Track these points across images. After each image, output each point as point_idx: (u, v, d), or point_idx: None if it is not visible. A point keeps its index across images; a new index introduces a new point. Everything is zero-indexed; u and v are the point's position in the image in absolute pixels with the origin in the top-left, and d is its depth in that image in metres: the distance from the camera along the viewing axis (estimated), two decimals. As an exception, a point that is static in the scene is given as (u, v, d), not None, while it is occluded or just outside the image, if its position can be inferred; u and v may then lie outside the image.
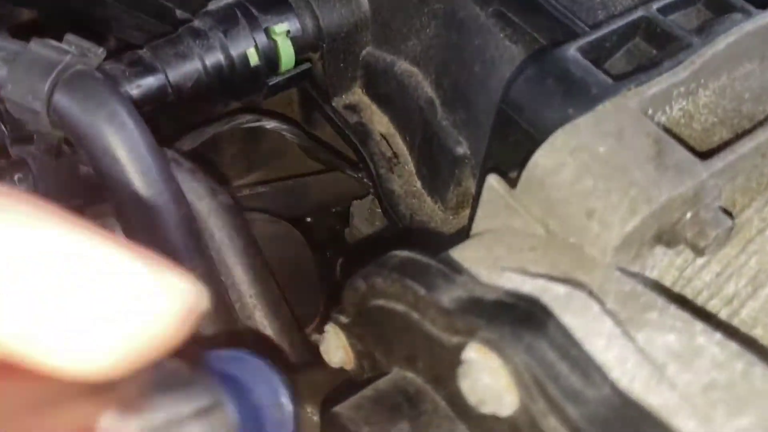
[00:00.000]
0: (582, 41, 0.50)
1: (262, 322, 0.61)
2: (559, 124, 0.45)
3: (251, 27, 0.64)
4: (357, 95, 0.72)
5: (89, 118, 0.51)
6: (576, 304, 0.39)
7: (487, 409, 0.37)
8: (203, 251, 0.54)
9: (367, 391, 0.45)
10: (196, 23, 0.64)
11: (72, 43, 0.54)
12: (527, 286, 0.41)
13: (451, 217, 0.64)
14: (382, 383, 0.45)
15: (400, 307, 0.43)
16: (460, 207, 0.63)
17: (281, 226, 0.76)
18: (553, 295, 0.39)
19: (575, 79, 0.47)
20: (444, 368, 0.40)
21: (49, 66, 0.52)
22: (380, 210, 0.82)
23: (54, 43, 0.53)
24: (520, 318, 0.38)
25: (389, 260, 0.44)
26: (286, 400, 0.42)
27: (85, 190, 0.58)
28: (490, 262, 0.44)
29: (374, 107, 0.71)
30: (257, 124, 0.74)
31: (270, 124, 0.75)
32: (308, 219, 0.89)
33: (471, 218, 0.58)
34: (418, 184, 0.67)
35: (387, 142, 0.69)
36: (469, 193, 0.62)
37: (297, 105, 0.85)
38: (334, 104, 0.72)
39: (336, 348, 0.49)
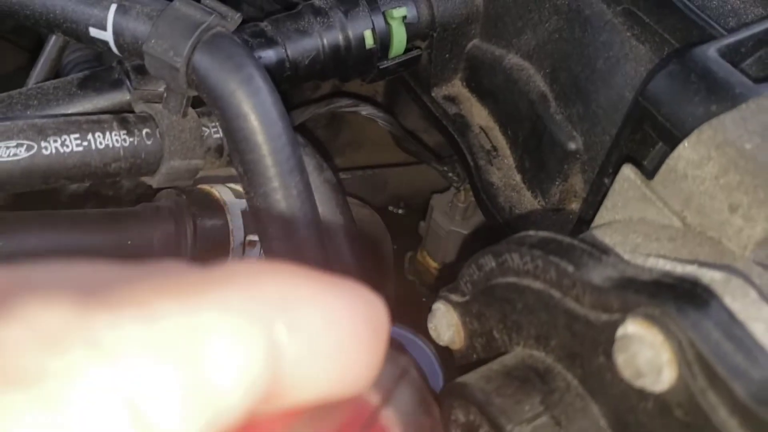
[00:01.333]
0: (720, 43, 0.50)
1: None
2: (701, 120, 0.45)
3: (370, 8, 0.65)
4: (457, 87, 0.73)
5: (227, 79, 0.52)
6: (734, 288, 0.39)
7: (641, 383, 0.37)
8: (319, 219, 0.55)
9: (495, 365, 0.45)
10: (317, 1, 0.65)
11: (209, 6, 0.55)
12: (679, 269, 0.41)
13: (551, 213, 0.64)
14: (508, 359, 0.45)
15: (537, 285, 0.43)
16: (562, 203, 0.64)
17: (367, 211, 0.77)
18: (709, 278, 0.40)
19: (718, 78, 0.48)
20: (585, 346, 0.41)
21: (192, 25, 0.52)
22: (462, 205, 0.83)
23: (196, 3, 0.54)
24: (682, 296, 0.38)
25: (527, 239, 0.45)
26: (438, 369, 0.43)
27: (206, 152, 0.58)
28: (629, 248, 0.45)
29: (474, 100, 0.72)
30: (354, 109, 0.75)
31: (366, 110, 0.76)
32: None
33: (583, 212, 0.59)
34: (518, 177, 0.67)
35: (486, 134, 0.70)
36: (573, 189, 0.63)
37: (382, 93, 0.86)
38: (433, 94, 0.73)
39: (447, 326, 0.49)
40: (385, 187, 0.90)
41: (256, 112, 0.52)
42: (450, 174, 0.81)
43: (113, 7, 0.54)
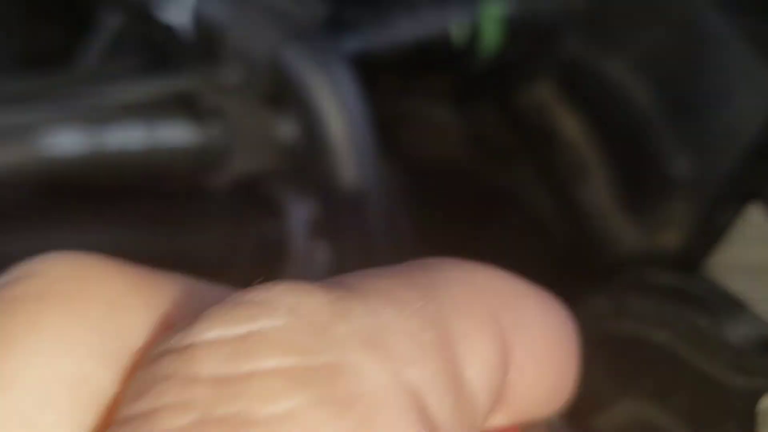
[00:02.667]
0: None
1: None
2: None
3: (462, 2, 0.61)
4: (542, 93, 0.68)
5: (312, 76, 0.48)
6: None
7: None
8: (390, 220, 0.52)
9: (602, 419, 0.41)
10: (405, -9, 0.61)
11: (294, -6, 0.51)
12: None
13: (644, 238, 0.60)
14: (618, 415, 0.41)
15: (661, 336, 0.39)
16: (658, 231, 0.59)
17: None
18: None
19: None
20: (713, 409, 0.37)
21: (282, 19, 0.49)
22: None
23: (282, -9, 0.50)
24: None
25: (649, 280, 0.40)
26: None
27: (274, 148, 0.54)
28: (757, 301, 0.41)
29: (561, 109, 0.67)
30: (429, 109, 0.71)
31: (439, 111, 0.71)
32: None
33: (683, 246, 0.54)
34: (608, 198, 0.62)
35: (572, 148, 0.65)
36: (673, 217, 0.58)
37: (454, 95, 0.81)
38: (516, 99, 0.68)
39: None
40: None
41: (339, 111, 0.49)
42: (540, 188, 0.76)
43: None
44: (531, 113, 0.67)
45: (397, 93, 0.73)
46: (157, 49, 0.59)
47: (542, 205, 0.69)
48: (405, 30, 0.60)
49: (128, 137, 0.47)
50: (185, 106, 0.51)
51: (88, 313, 0.17)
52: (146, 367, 0.15)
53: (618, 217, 0.61)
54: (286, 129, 0.54)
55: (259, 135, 0.53)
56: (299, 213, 0.58)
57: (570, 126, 0.67)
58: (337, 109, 0.48)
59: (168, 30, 0.51)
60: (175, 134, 0.49)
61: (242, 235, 0.55)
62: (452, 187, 0.84)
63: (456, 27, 0.60)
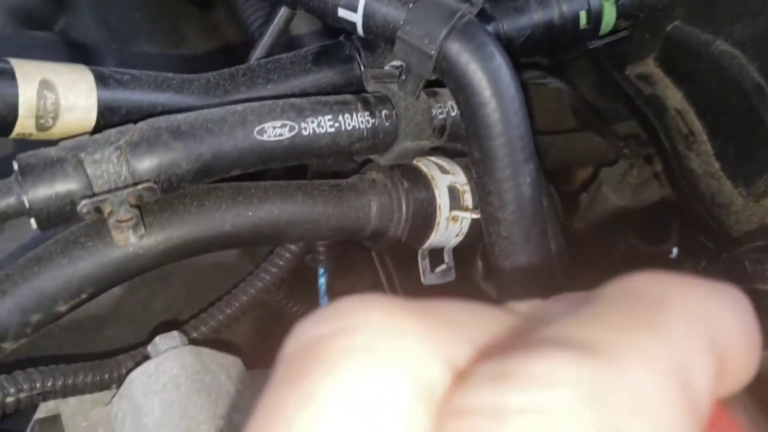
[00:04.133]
0: None
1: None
2: None
3: (587, -10, 0.65)
4: (650, 66, 0.73)
5: (477, 69, 0.53)
6: None
7: None
8: (545, 206, 0.57)
9: None
10: (535, -22, 0.65)
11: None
12: None
13: (751, 204, 0.65)
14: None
15: None
16: (764, 196, 0.64)
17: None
18: None
19: None
20: None
21: (447, 13, 0.53)
22: (635, 181, 0.84)
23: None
24: None
25: None
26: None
27: (432, 132, 0.60)
28: None
29: (668, 81, 0.72)
30: (543, 81, 0.76)
31: (554, 83, 0.76)
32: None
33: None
34: (717, 165, 0.68)
35: (682, 118, 0.70)
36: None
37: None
38: (626, 72, 0.73)
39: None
40: (547, 156, 0.90)
41: (501, 101, 0.53)
42: (625, 149, 0.81)
43: (363, -11, 0.54)
44: (641, 85, 0.72)
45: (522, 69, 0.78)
46: (326, 41, 0.64)
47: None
48: (537, 16, 0.64)
49: (318, 126, 0.53)
50: (361, 97, 0.57)
51: (403, 365, 0.20)
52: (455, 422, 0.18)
53: (728, 182, 0.67)
54: (442, 111, 0.60)
55: (421, 118, 0.59)
56: (442, 183, 0.64)
57: (677, 97, 0.72)
58: (497, 99, 0.53)
59: (339, 23, 0.56)
60: (353, 121, 0.55)
61: (399, 203, 0.61)
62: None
63: (582, 12, 0.65)
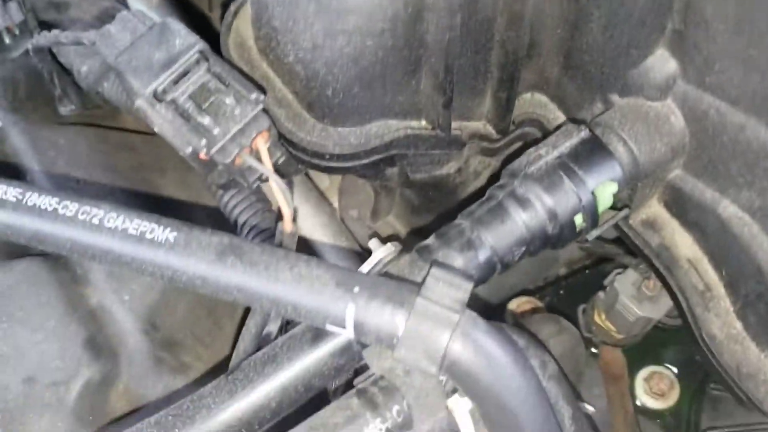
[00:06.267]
0: None
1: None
2: None
3: (577, 187, 0.61)
4: (654, 208, 0.69)
5: (491, 378, 0.50)
6: None
7: None
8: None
9: None
10: (519, 189, 0.61)
11: (439, 279, 0.52)
12: None
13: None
14: None
15: None
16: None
17: (560, 324, 0.76)
18: None
19: None
20: None
21: (446, 323, 0.49)
22: (650, 293, 0.81)
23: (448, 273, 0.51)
24: None
25: None
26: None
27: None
28: None
29: (676, 224, 0.68)
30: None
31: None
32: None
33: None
34: (738, 325, 0.65)
35: (695, 269, 0.67)
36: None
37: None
38: (630, 222, 0.69)
39: None
40: (557, 263, 0.88)
41: (521, 409, 0.52)
42: (639, 265, 0.79)
43: (351, 307, 0.51)
44: (647, 234, 0.68)
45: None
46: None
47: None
48: (529, 231, 0.61)
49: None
50: (366, 400, 0.55)
51: None
52: None
53: (752, 344, 0.64)
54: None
55: (434, 400, 0.56)
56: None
57: (687, 243, 0.67)
58: (517, 408, 0.50)
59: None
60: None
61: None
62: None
63: (578, 216, 0.61)
